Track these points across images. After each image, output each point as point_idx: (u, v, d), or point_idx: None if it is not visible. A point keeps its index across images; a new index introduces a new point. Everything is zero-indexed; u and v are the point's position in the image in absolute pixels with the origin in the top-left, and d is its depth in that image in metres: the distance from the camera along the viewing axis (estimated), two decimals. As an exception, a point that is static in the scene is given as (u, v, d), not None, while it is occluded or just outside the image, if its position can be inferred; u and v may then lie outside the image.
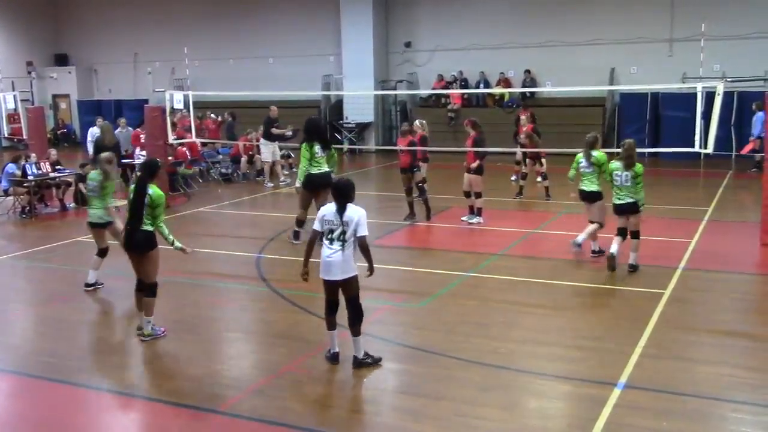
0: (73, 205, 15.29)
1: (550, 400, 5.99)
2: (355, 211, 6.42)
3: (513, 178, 16.74)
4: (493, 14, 24.48)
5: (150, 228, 7.28)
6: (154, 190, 7.29)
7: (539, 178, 15.80)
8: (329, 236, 6.45)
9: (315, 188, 11.18)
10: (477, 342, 7.15)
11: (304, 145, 11.25)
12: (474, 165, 12.29)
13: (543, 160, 15.34)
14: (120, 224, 8.41)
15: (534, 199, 15.16)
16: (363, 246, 6.43)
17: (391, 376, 6.69)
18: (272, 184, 17.77)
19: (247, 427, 5.62)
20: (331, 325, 6.69)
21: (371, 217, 13.94)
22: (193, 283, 9.14)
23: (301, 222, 11.34)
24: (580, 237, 10.06)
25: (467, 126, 12.75)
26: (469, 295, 8.77)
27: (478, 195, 12.52)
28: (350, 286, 6.51)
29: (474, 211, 12.66)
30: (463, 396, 5.99)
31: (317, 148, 11.15)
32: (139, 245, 7.28)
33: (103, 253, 9.06)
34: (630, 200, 9.41)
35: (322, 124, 11.57)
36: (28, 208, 14.37)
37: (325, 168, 11.27)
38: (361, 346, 6.57)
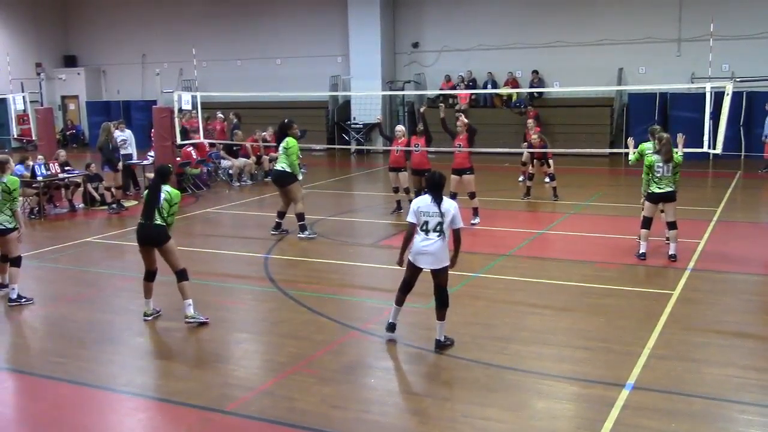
0: (82, 205, 15.37)
1: (557, 401, 5.97)
2: (450, 204, 6.82)
3: (520, 178, 16.72)
4: (500, 14, 24.47)
5: (162, 223, 7.75)
6: (171, 189, 7.88)
7: (547, 179, 15.79)
8: (424, 227, 6.79)
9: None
10: (484, 343, 7.15)
11: None
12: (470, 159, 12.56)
13: (550, 161, 15.32)
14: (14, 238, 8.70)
15: (542, 200, 15.14)
16: (458, 238, 6.86)
17: (397, 376, 6.70)
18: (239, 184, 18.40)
19: (254, 428, 5.63)
20: (400, 301, 7.08)
21: (378, 217, 14.00)
22: (201, 283, 9.15)
23: (278, 213, 12.17)
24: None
25: (462, 125, 12.45)
26: (476, 295, 8.76)
27: (474, 195, 12.54)
28: (443, 275, 6.86)
29: (474, 212, 12.75)
30: (470, 397, 5.99)
31: (281, 146, 11.94)
32: (154, 238, 7.80)
33: (13, 261, 8.73)
34: (669, 189, 9.86)
35: (283, 123, 12.34)
36: (37, 208, 14.45)
37: (278, 166, 11.91)
38: (443, 331, 6.94)
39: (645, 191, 10.07)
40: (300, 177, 12.12)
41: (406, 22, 26.11)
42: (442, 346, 6.92)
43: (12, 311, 8.56)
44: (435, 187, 6.78)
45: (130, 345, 7.50)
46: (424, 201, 6.83)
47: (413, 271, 6.97)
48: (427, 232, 6.76)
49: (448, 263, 6.83)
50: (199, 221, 13.85)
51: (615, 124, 22.98)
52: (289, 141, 11.82)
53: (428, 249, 6.74)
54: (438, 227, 6.73)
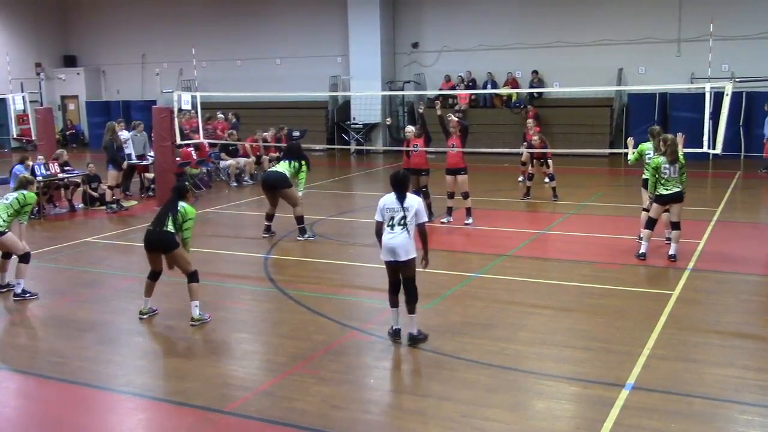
0: (81, 205, 15.37)
1: (557, 401, 5.97)
2: (413, 199, 7.10)
3: (520, 179, 16.72)
4: (500, 15, 24.48)
5: (171, 230, 7.78)
6: (187, 206, 8.00)
7: (546, 179, 15.78)
8: (390, 222, 7.04)
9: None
10: (484, 343, 7.15)
11: None
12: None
13: (550, 161, 15.32)
14: (13, 238, 8.86)
15: (541, 200, 15.14)
16: (423, 232, 7.09)
17: (397, 376, 6.71)
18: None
19: (254, 428, 5.63)
20: (394, 303, 7.17)
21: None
22: (201, 283, 9.15)
23: (267, 216, 12.14)
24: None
25: (455, 126, 12.45)
26: (476, 296, 8.77)
27: (467, 194, 12.55)
28: (410, 268, 7.05)
29: (450, 213, 12.80)
30: (470, 397, 5.98)
31: (291, 163, 12.00)
32: (162, 244, 7.82)
33: (21, 258, 8.93)
34: (677, 189, 9.84)
35: (293, 145, 12.84)
36: (37, 208, 14.43)
37: (278, 169, 11.98)
38: (415, 324, 7.11)
39: (652, 193, 10.05)
40: (301, 193, 12.05)
41: (406, 23, 26.12)
42: (415, 339, 7.07)
43: (12, 311, 8.58)
44: (398, 185, 7.07)
45: (129, 345, 7.50)
46: (389, 198, 7.09)
47: (392, 269, 7.15)
48: (392, 227, 7.02)
49: (414, 255, 7.02)
50: (199, 221, 13.79)
51: (615, 124, 22.99)
52: (304, 168, 12.00)
53: (393, 242, 6.97)
54: (402, 221, 6.99)
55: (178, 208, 7.88)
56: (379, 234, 7.13)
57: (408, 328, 7.10)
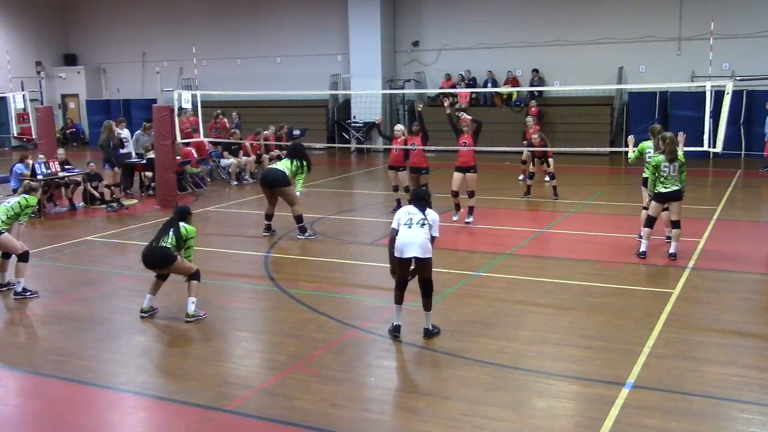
0: (81, 204, 15.36)
1: (557, 400, 5.97)
2: (433, 213, 7.21)
3: (521, 177, 16.72)
4: (500, 13, 24.47)
5: (167, 246, 7.86)
6: (188, 226, 8.12)
7: (547, 178, 15.79)
8: (408, 222, 7.06)
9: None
10: (484, 341, 7.15)
11: None
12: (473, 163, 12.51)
13: (550, 160, 15.32)
14: (10, 238, 8.87)
15: (542, 199, 15.14)
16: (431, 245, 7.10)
17: (398, 375, 6.70)
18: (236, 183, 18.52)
19: (254, 426, 5.63)
20: (399, 299, 7.24)
21: (378, 216, 13.99)
22: (201, 282, 9.16)
23: (266, 216, 12.14)
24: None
25: (468, 124, 12.44)
26: (476, 294, 8.77)
27: (473, 193, 12.53)
28: (426, 267, 7.07)
29: (458, 208, 12.81)
30: (470, 396, 5.98)
31: (292, 163, 11.88)
32: (160, 260, 7.92)
33: (20, 257, 8.95)
34: (676, 188, 9.84)
35: (297, 146, 12.53)
36: (37, 207, 14.42)
37: (279, 167, 11.91)
38: (430, 320, 7.23)
39: (652, 191, 10.04)
40: (299, 193, 11.98)
41: (406, 21, 26.11)
42: (430, 335, 7.18)
43: (12, 309, 8.58)
44: (419, 200, 7.24)
45: (130, 343, 7.50)
46: (409, 207, 7.25)
47: (402, 266, 7.13)
48: (410, 225, 7.06)
49: (431, 255, 7.03)
50: (199, 220, 13.81)
51: (615, 122, 22.99)
52: (305, 168, 11.89)
53: (411, 237, 6.97)
54: (421, 222, 7.04)
55: (180, 228, 7.96)
56: (392, 241, 7.10)
57: (424, 323, 7.22)
